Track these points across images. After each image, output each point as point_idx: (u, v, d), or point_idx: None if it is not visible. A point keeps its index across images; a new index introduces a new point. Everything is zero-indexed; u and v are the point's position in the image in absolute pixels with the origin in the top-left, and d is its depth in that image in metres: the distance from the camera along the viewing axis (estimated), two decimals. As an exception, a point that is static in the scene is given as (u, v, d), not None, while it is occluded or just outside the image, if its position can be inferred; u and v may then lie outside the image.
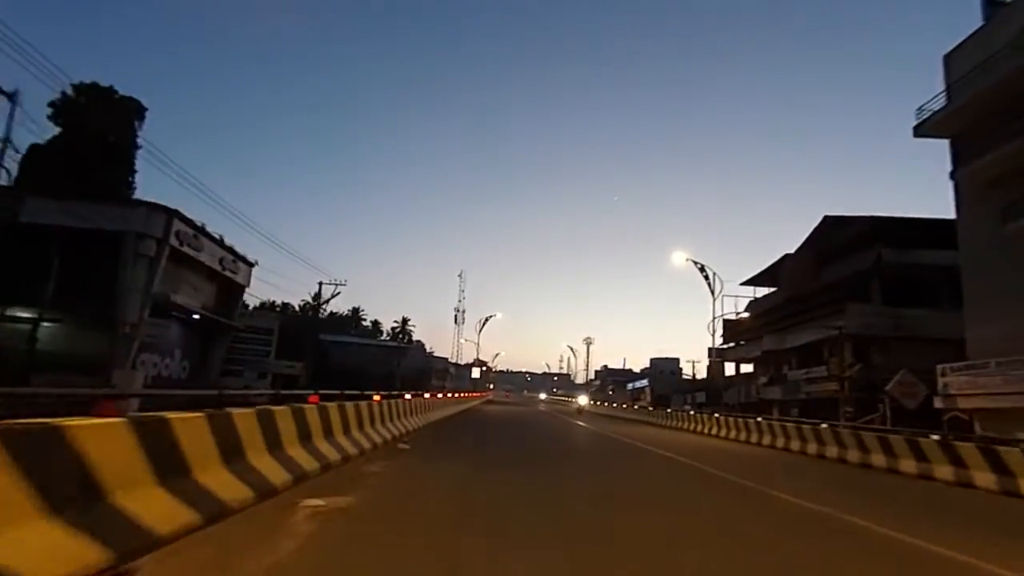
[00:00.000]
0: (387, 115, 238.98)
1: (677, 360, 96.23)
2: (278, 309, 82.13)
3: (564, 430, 21.47)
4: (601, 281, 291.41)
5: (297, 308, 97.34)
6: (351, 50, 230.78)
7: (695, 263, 29.65)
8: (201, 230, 23.83)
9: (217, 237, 25.27)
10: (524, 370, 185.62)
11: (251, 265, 29.37)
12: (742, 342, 50.95)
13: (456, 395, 39.62)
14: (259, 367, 30.41)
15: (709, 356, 52.59)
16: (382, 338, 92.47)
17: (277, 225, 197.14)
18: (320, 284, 32.18)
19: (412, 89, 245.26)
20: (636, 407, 47.07)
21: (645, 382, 79.37)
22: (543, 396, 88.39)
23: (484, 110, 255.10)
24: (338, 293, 32.27)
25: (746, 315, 36.22)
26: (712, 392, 52.68)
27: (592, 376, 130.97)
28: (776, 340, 41.09)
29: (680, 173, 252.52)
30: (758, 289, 52.29)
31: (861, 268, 34.30)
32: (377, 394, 12.52)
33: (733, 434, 21.88)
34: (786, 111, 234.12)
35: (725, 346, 52.56)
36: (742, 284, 52.30)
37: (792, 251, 43.07)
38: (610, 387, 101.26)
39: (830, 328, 31.96)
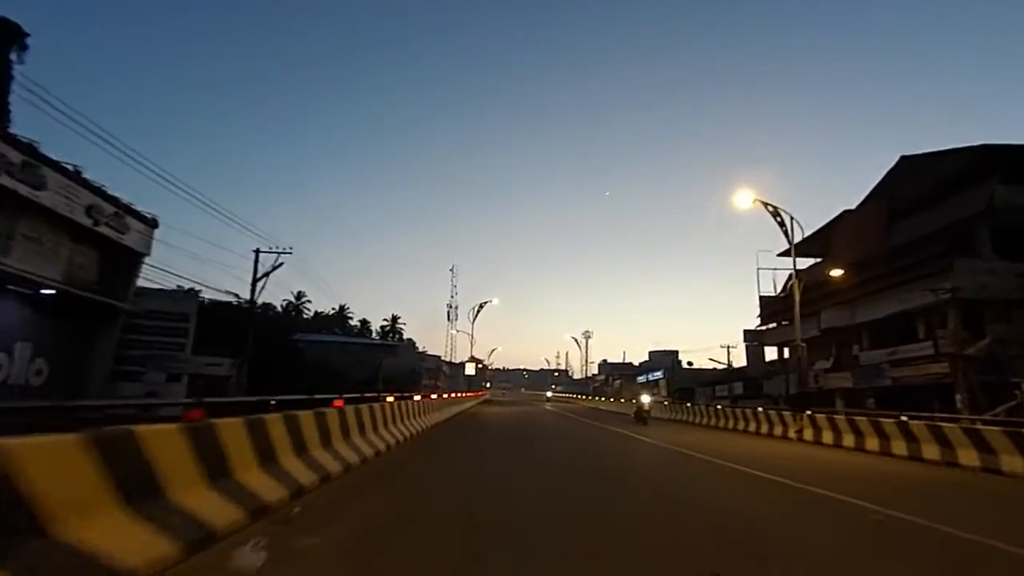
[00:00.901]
0: (376, 108, 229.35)
1: (676, 353, 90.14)
2: (258, 310, 73.52)
3: (617, 450, 13.36)
4: (596, 276, 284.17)
5: (280, 308, 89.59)
6: (335, 42, 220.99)
7: (765, 205, 21.58)
8: (34, 153, 15.34)
9: (71, 169, 16.76)
10: (521, 367, 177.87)
11: (150, 224, 20.94)
12: (784, 322, 43.14)
13: (448, 395, 31.74)
14: (169, 366, 22.12)
15: (746, 340, 44.69)
16: (373, 338, 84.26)
17: (272, 228, 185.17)
18: (257, 252, 23.82)
19: (400, 82, 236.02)
20: (666, 403, 38.92)
21: (659, 374, 71.56)
22: (549, 395, 79.39)
23: (474, 99, 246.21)
24: (281, 264, 23.96)
25: (839, 272, 28.01)
26: (749, 382, 44.88)
27: (596, 371, 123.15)
28: (840, 315, 33.22)
29: (682, 154, 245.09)
30: (799, 260, 44.71)
31: (962, 215, 26.47)
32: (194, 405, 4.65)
33: (850, 440, 14.49)
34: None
35: (763, 327, 44.81)
36: (779, 255, 44.55)
37: (852, 208, 35.37)
38: (617, 381, 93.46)
39: (939, 292, 24.14)
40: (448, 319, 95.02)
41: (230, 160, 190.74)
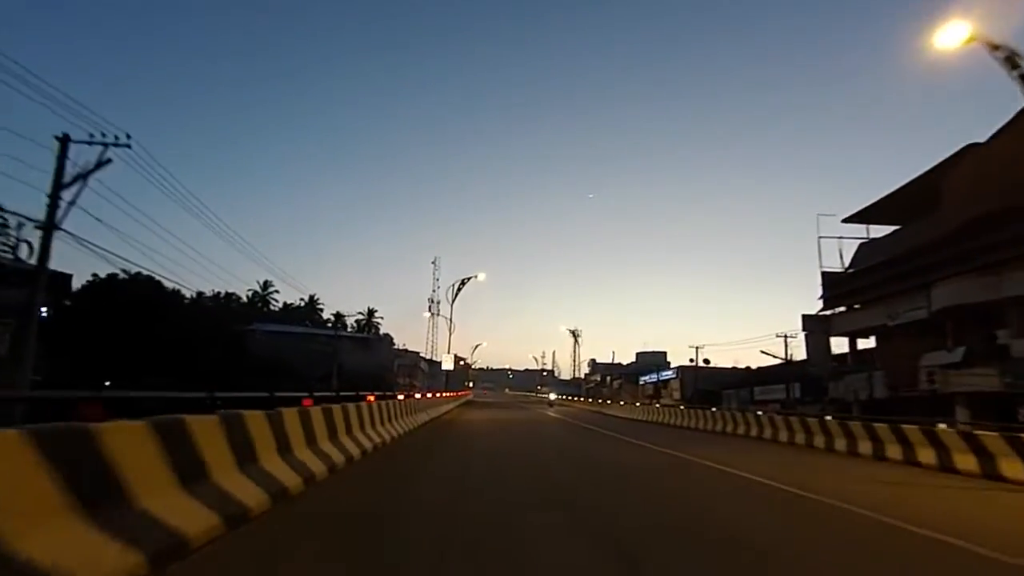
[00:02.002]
0: (365, 108, 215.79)
1: (664, 354, 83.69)
2: (222, 300, 62.94)
3: None
4: (584, 275, 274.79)
5: (245, 298, 78.39)
6: (309, 36, 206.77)
7: (993, 47, 11.68)
8: None
9: None
10: (506, 367, 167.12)
11: None
12: (856, 305, 33.49)
13: (418, 396, 21.48)
14: None
15: (805, 327, 34.84)
16: (344, 331, 73.67)
17: (260, 235, 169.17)
18: (64, 140, 13.25)
19: (385, 75, 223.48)
20: (688, 409, 28.52)
21: (670, 373, 61.88)
22: (552, 397, 63.86)
23: (463, 95, 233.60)
24: (107, 161, 13.48)
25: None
26: (809, 383, 35.13)
27: (586, 370, 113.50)
28: (973, 288, 23.52)
29: (677, 152, 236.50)
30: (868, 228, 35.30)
31: None
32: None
33: None
34: None
35: (827, 312, 35.19)
36: (845, 221, 35.05)
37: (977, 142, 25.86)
38: (616, 381, 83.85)
39: None
40: (429, 312, 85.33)
41: (194, 148, 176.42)
